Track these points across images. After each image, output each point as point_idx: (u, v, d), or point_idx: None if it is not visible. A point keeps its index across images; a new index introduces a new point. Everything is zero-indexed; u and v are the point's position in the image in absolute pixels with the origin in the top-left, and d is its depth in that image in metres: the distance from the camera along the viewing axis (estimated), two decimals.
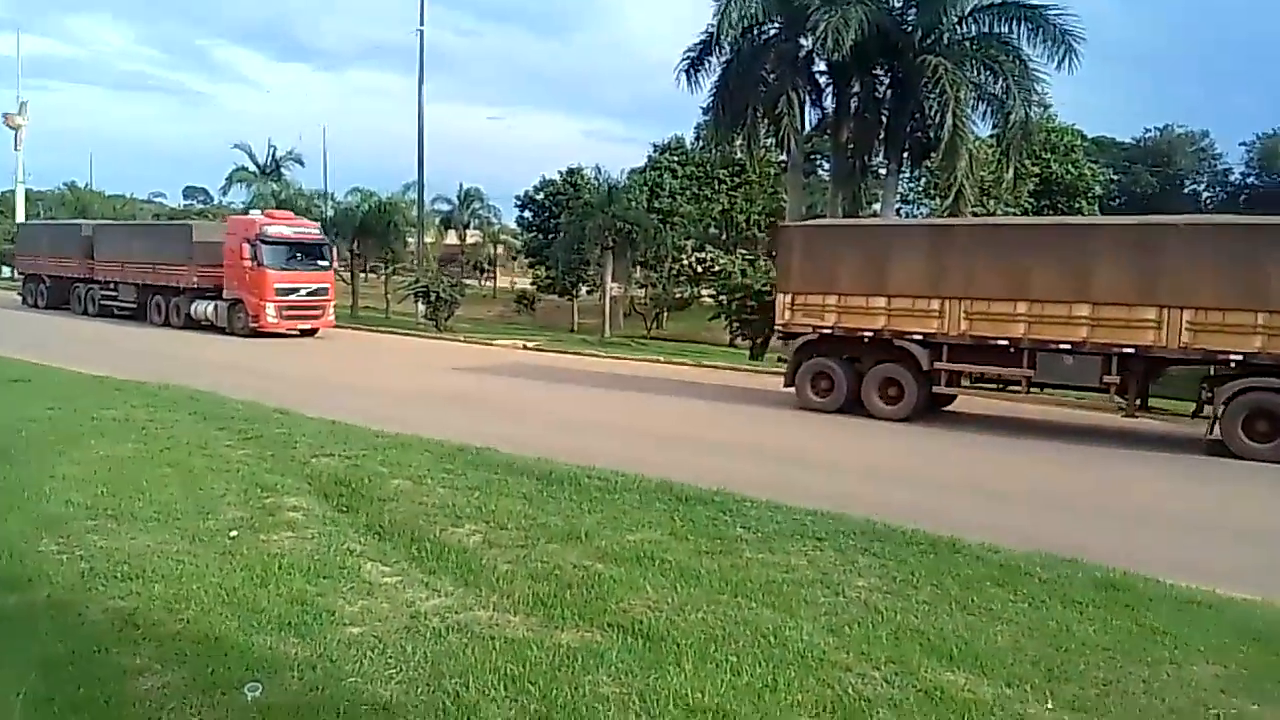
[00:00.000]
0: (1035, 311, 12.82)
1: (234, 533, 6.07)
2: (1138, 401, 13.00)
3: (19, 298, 34.96)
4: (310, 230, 27.14)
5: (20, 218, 56.59)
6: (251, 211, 30.19)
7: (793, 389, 15.02)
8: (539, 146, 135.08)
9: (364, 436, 9.62)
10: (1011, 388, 13.90)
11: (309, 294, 25.39)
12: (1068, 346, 12.65)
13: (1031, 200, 40.32)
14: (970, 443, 12.97)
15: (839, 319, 14.39)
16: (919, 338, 13.69)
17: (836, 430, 13.46)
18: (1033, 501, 9.25)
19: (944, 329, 13.51)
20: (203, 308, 26.28)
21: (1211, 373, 12.32)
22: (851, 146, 27.85)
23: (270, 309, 24.58)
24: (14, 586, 5.01)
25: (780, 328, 15.35)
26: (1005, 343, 13.06)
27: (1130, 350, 12.27)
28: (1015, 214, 35.57)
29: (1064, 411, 15.39)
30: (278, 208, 49.31)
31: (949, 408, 14.91)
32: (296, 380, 16.44)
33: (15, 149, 53.09)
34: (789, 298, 14.98)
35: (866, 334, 14.17)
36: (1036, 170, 38.71)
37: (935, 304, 13.55)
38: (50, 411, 10.17)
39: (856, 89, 27.06)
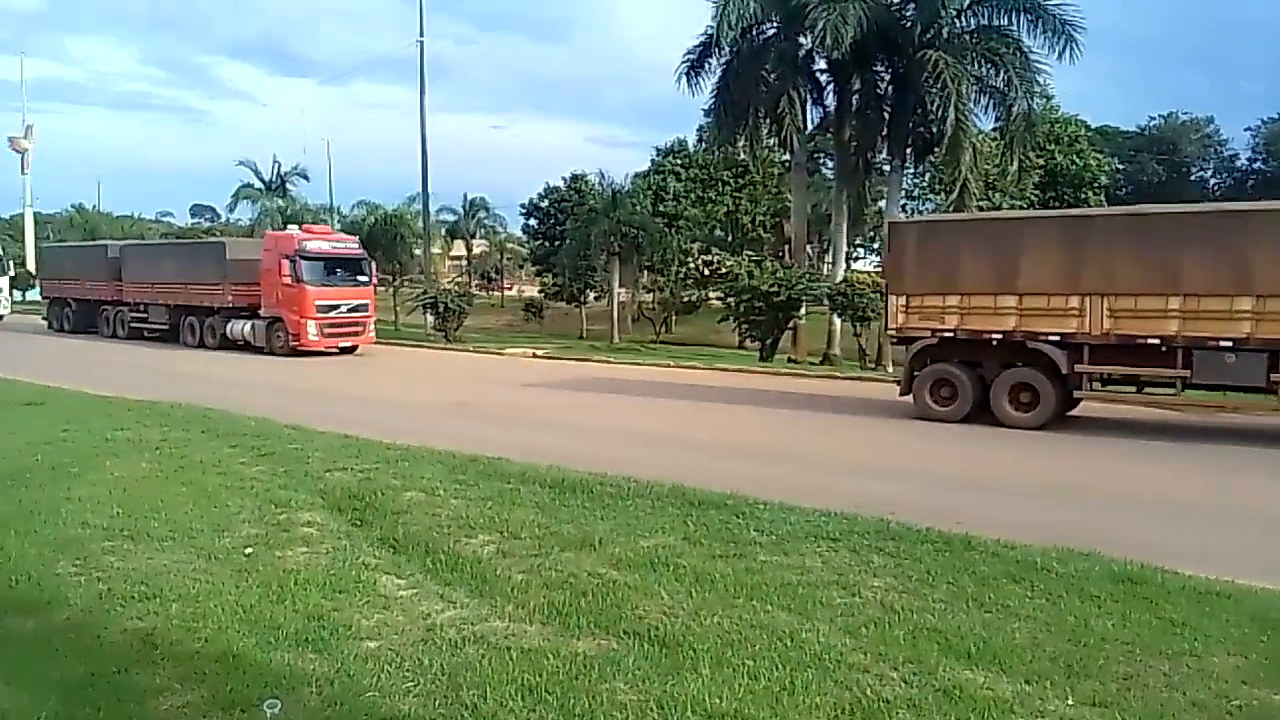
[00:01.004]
0: (1190, 307, 11.78)
1: (249, 550, 6.09)
2: None
3: (44, 322, 33.97)
4: (349, 245, 26.59)
5: (29, 241, 56.95)
6: (289, 227, 29.78)
7: (908, 397, 14.02)
8: (542, 153, 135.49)
9: (376, 450, 9.63)
10: (1149, 390, 12.85)
11: (349, 310, 24.76)
12: (1229, 344, 11.64)
13: (1037, 192, 40.27)
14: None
15: (961, 321, 13.40)
16: (1056, 339, 12.69)
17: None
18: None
19: (1085, 328, 12.48)
20: (239, 327, 25.59)
21: None
22: (854, 144, 27.94)
23: (311, 327, 23.89)
24: (32, 609, 5.04)
25: (893, 332, 14.36)
26: (1156, 341, 12.04)
27: None
28: (1021, 207, 35.48)
29: (1184, 412, 13.85)
30: (285, 223, 49.58)
31: (1074, 412, 13.83)
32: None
33: (22, 172, 53.63)
34: (903, 300, 13.93)
35: (994, 336, 13.14)
36: (1041, 162, 38.66)
37: (1074, 301, 12.53)
38: (64, 433, 10.22)
39: (857, 86, 27.13)
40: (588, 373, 21.81)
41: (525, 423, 13.40)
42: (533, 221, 49.97)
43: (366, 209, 48.13)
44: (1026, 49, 24.57)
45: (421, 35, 33.19)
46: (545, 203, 48.27)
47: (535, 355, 26.34)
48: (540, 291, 50.37)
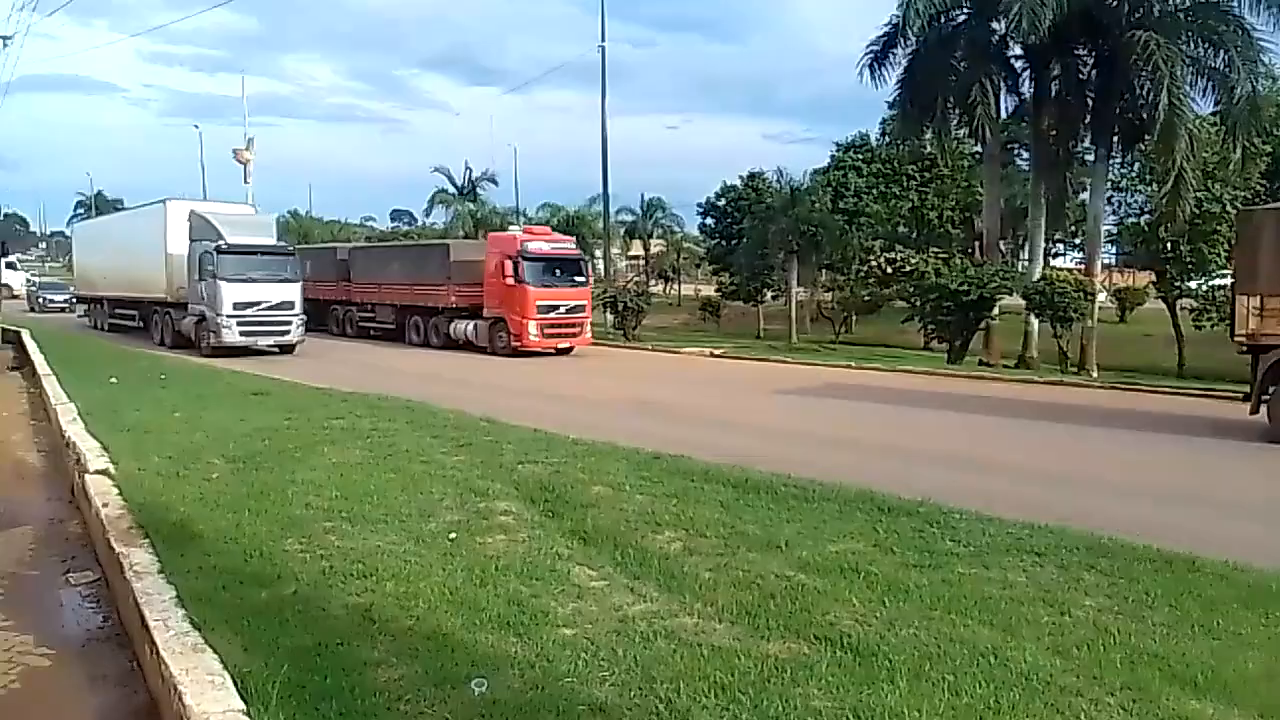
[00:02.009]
0: None
1: (453, 535, 6.42)
2: None
3: None
4: (568, 246, 26.66)
5: None
6: (510, 228, 30.38)
7: (1260, 415, 12.17)
8: (719, 152, 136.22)
9: (563, 444, 9.93)
10: None
11: (568, 310, 24.75)
12: None
13: (1264, 182, 36.49)
14: None
15: None
16: None
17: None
18: None
19: None
20: (462, 327, 25.80)
21: None
22: (1054, 133, 26.42)
23: (532, 327, 23.95)
24: (265, 582, 5.49)
25: (1243, 338, 12.42)
26: None
27: None
28: (1246, 198, 32.34)
29: None
30: (475, 226, 51.94)
31: None
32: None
33: (245, 182, 58.63)
34: (1256, 300, 12.12)
35: None
36: (1268, 149, 34.97)
37: None
38: (287, 421, 11.13)
39: (1057, 72, 25.66)
40: (766, 372, 21.66)
41: (704, 421, 13.47)
42: (709, 220, 50.15)
43: (550, 211, 49.93)
44: (1249, 26, 22.40)
45: (603, 41, 34.06)
46: (722, 201, 48.32)
47: (712, 354, 26.44)
48: (717, 290, 50.44)
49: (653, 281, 61.15)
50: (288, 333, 23.44)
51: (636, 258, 67.86)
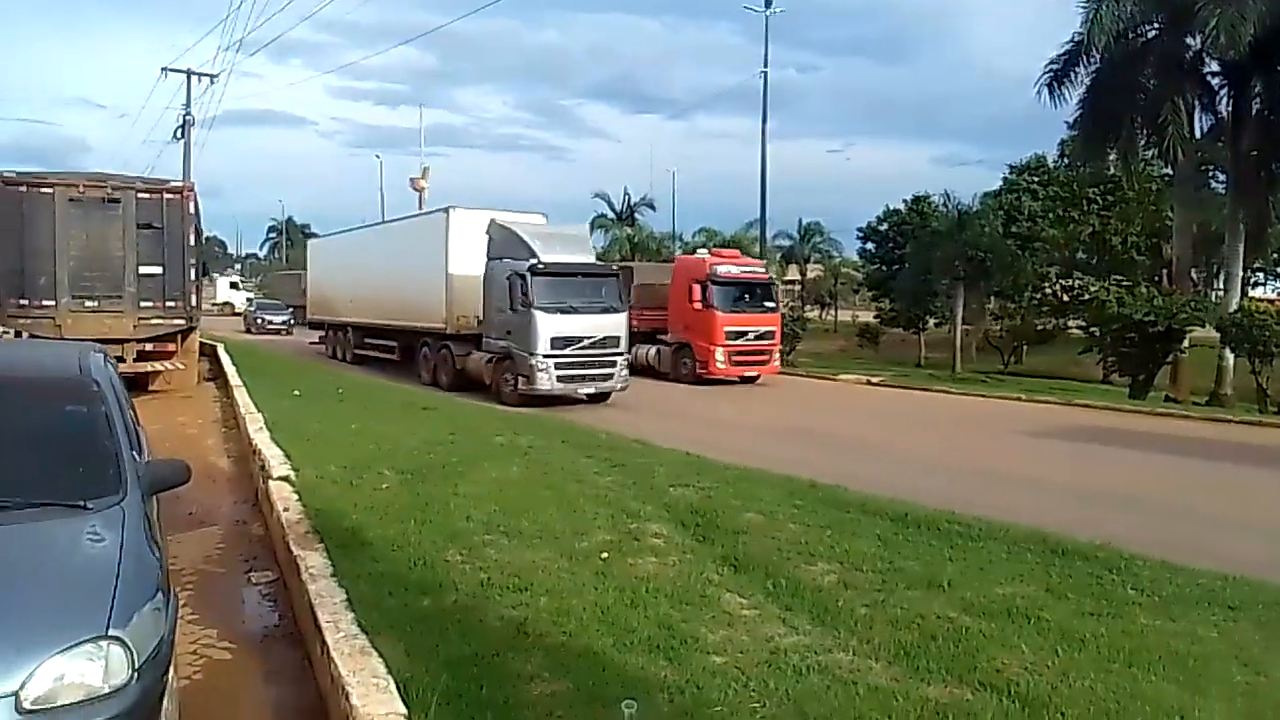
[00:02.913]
0: None
1: (605, 554, 6.47)
2: None
3: None
4: (757, 270, 25.51)
5: None
6: (699, 251, 30.17)
7: None
8: (882, 176, 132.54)
9: (716, 469, 9.86)
10: None
11: (757, 337, 23.41)
12: None
13: None
14: None
15: None
16: None
17: None
18: None
19: None
20: (644, 352, 24.03)
21: None
22: (1255, 154, 24.35)
23: (719, 354, 22.67)
24: (427, 590, 5.68)
25: None
26: None
27: None
28: None
29: None
30: (632, 250, 52.71)
31: None
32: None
33: (419, 207, 62.23)
34: None
35: None
36: None
37: None
38: (452, 436, 11.55)
39: (1259, 89, 23.70)
40: (926, 401, 20.91)
41: (857, 450, 13.12)
42: (870, 245, 49.05)
43: (706, 235, 50.19)
44: None
45: (765, 67, 34.06)
46: (884, 226, 47.17)
47: (870, 382, 25.75)
48: (876, 317, 49.17)
49: (808, 307, 60.25)
50: (611, 376, 18.21)
51: (792, 282, 67.04)
